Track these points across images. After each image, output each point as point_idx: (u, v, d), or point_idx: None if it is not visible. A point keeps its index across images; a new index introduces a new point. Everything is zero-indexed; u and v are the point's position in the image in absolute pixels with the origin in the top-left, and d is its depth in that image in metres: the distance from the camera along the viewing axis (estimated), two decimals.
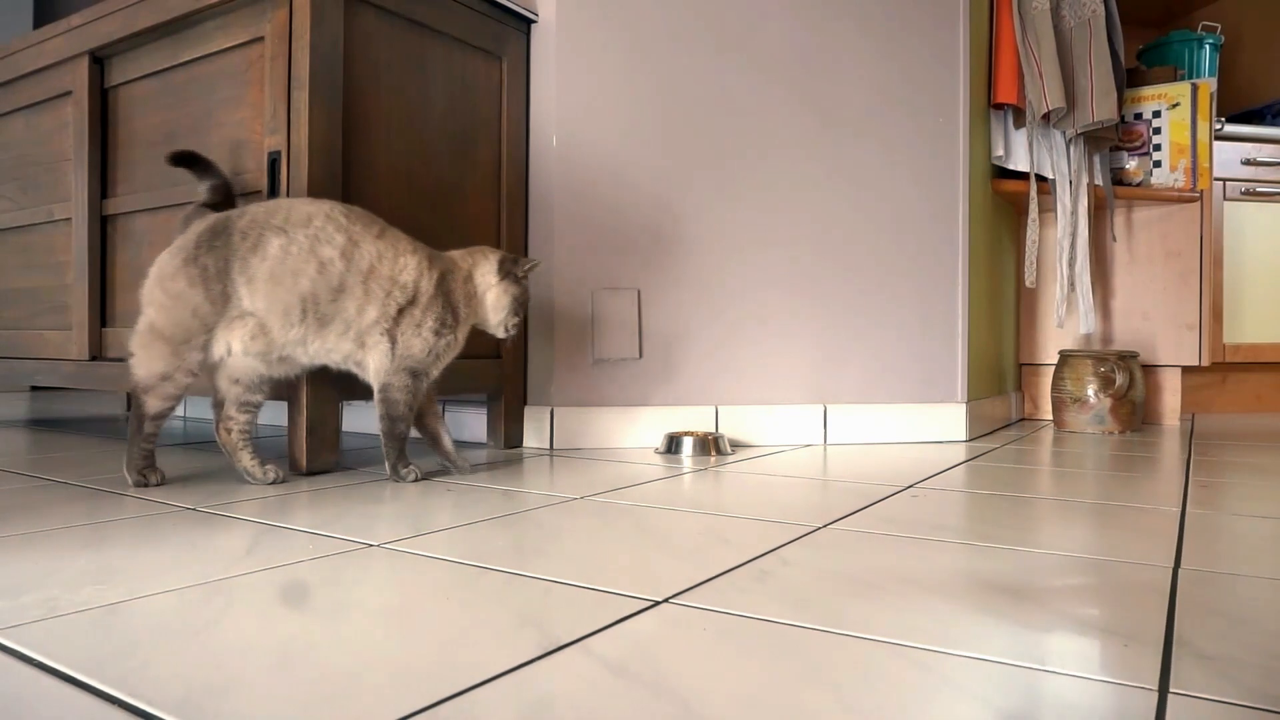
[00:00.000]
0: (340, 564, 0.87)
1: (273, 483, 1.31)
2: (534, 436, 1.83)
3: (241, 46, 1.53)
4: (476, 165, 1.75)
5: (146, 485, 1.29)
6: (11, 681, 0.56)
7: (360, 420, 2.13)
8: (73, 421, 2.34)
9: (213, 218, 1.29)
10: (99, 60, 1.79)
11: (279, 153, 1.44)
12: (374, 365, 1.33)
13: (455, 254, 1.43)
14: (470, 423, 1.93)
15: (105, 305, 1.80)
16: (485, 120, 1.77)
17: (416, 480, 1.36)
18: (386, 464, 1.37)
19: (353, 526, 1.04)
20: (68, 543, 0.94)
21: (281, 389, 1.41)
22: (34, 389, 3.45)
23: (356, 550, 0.92)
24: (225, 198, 1.41)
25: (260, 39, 1.49)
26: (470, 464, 1.45)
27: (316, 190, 1.41)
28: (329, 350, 1.32)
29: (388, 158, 1.56)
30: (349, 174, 1.48)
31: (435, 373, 1.38)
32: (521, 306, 1.45)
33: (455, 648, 0.63)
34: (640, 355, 1.85)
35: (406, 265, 1.32)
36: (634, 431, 1.84)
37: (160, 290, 1.26)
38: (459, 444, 1.64)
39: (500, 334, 1.46)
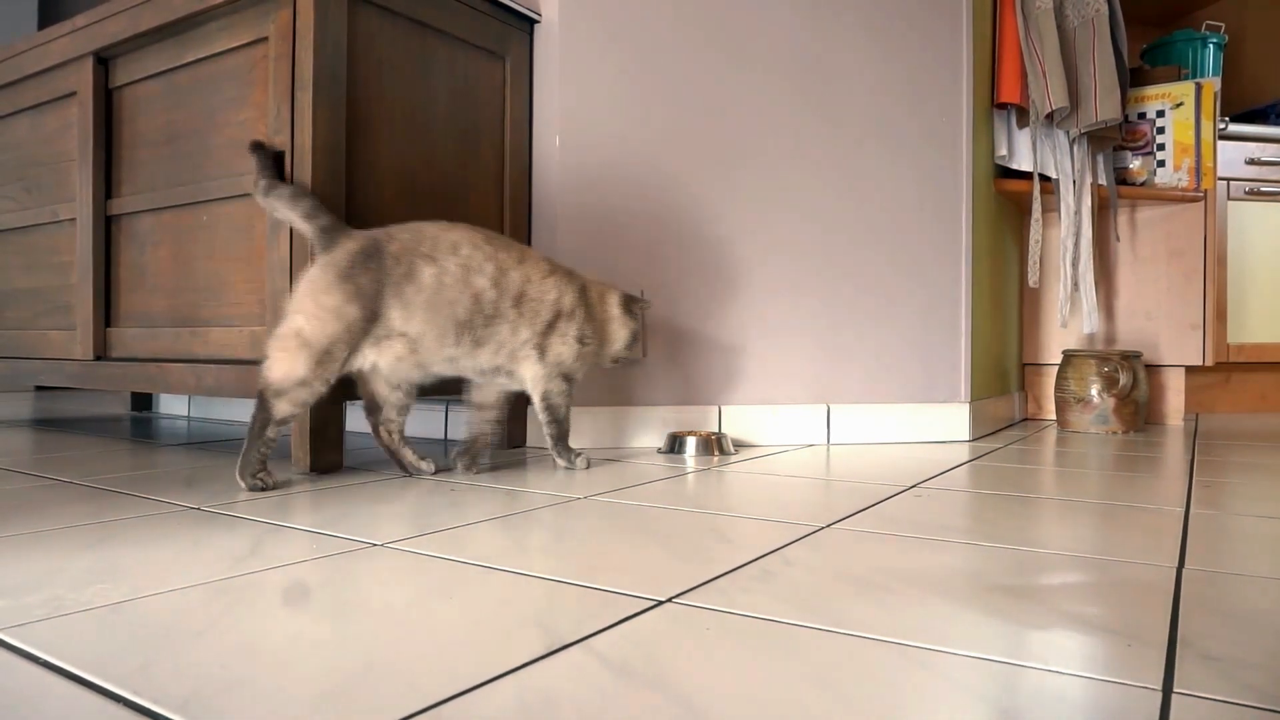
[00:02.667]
0: (344, 564, 0.87)
1: (434, 473, 1.44)
2: (537, 436, 1.83)
3: (245, 47, 1.53)
4: (479, 165, 1.75)
5: (265, 489, 1.28)
6: (17, 680, 0.57)
7: (361, 420, 2.13)
8: (77, 421, 2.35)
9: (361, 238, 1.32)
10: (103, 61, 1.80)
11: (283, 153, 1.44)
12: (530, 376, 1.45)
13: (588, 276, 1.55)
14: None
15: (109, 305, 1.81)
16: (488, 120, 1.77)
17: (589, 467, 1.52)
18: (560, 460, 1.51)
19: (356, 526, 1.04)
20: (72, 542, 0.94)
21: None
22: (38, 389, 3.46)
23: (360, 550, 0.92)
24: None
25: (264, 39, 1.49)
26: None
27: (319, 190, 1.41)
28: (478, 366, 1.41)
29: (391, 157, 1.56)
30: (352, 173, 1.49)
31: (580, 375, 1.51)
32: (635, 341, 1.59)
33: (458, 647, 0.63)
34: (643, 355, 1.85)
35: (550, 285, 1.44)
36: (637, 431, 1.84)
37: (312, 301, 1.28)
38: (461, 442, 1.63)
39: (606, 363, 1.59)
